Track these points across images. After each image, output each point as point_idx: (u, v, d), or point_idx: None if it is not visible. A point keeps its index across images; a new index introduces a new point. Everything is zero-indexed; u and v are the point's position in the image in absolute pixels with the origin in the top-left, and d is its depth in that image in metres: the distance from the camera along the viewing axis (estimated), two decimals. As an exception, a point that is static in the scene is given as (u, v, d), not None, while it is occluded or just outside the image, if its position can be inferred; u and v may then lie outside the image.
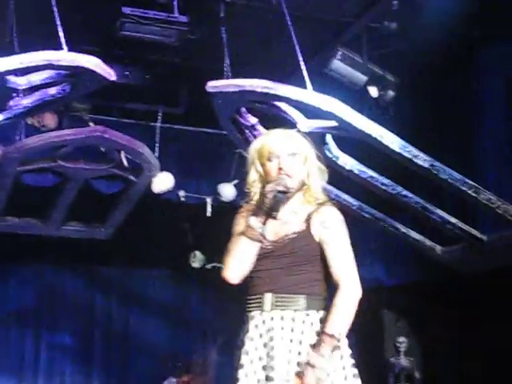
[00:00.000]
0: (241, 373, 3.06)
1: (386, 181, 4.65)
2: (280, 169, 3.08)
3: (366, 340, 6.85)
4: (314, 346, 2.97)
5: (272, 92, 3.99)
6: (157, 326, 7.83)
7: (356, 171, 4.57)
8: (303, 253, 3.12)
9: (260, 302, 3.10)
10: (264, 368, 3.03)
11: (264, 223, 3.04)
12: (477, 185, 4.39)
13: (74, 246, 7.13)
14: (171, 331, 7.83)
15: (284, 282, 3.10)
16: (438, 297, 6.34)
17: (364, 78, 5.60)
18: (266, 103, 4.21)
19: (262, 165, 3.14)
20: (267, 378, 3.00)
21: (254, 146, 3.20)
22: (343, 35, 5.65)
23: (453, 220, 4.78)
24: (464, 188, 4.34)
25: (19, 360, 7.66)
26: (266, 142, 3.16)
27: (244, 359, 3.07)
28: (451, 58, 5.59)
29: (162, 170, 5.84)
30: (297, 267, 3.11)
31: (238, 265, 3.10)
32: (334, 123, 4.17)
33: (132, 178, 5.85)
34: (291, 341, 3.05)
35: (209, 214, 6.45)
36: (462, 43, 5.52)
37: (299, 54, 4.55)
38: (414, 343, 6.66)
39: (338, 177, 5.27)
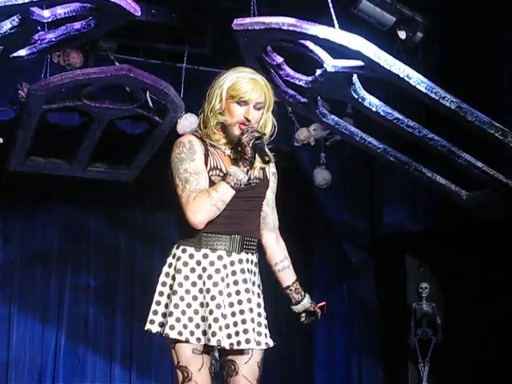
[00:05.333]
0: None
1: (411, 123, 4.59)
2: (247, 119, 3.19)
3: (388, 285, 6.90)
4: (298, 297, 3.51)
5: (299, 30, 3.93)
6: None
7: (382, 113, 4.51)
8: (262, 199, 3.35)
9: (225, 243, 3.21)
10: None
11: (246, 172, 3.16)
12: (504, 127, 4.33)
13: (98, 188, 7.16)
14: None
15: (250, 225, 3.27)
16: (461, 243, 6.33)
17: (392, 19, 5.55)
18: (293, 42, 4.15)
19: (226, 100, 3.22)
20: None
21: (225, 78, 3.24)
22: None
23: (479, 164, 4.72)
24: (491, 131, 4.28)
25: (44, 300, 7.73)
26: (240, 83, 3.21)
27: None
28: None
29: (186, 111, 5.82)
30: (257, 212, 3.32)
31: (216, 213, 3.16)
32: (360, 63, 4.11)
33: (157, 118, 5.86)
34: (250, 281, 3.28)
35: None
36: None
37: (327, -6, 4.48)
38: (436, 289, 6.68)
39: (363, 119, 5.28)
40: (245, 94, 3.19)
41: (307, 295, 3.52)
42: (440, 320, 6.60)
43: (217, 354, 3.32)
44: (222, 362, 3.29)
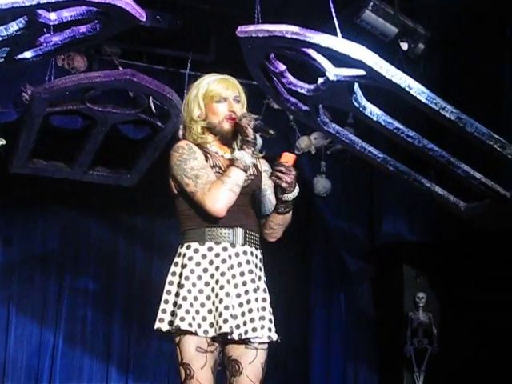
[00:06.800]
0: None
1: (412, 133, 4.61)
2: (232, 111, 3.32)
3: (385, 294, 6.92)
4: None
5: (302, 38, 3.95)
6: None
7: (382, 122, 4.53)
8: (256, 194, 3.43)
9: (228, 235, 3.28)
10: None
11: (251, 154, 3.27)
12: (503, 139, 4.36)
13: (99, 192, 7.19)
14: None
15: (250, 219, 3.35)
16: (459, 254, 6.36)
17: (395, 30, 5.60)
18: (296, 50, 4.18)
19: (206, 105, 3.35)
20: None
21: (197, 85, 3.42)
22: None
23: (477, 175, 4.75)
24: (490, 142, 4.31)
25: (42, 302, 7.76)
26: (214, 85, 3.39)
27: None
28: (485, 11, 5.54)
29: (188, 117, 5.84)
30: (255, 207, 3.40)
31: (233, 198, 3.23)
32: (362, 72, 4.15)
33: (159, 123, 5.88)
34: (255, 275, 3.31)
35: None
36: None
37: (331, 3, 4.51)
38: (432, 299, 6.71)
39: (364, 128, 5.31)
40: (222, 91, 3.36)
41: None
42: (436, 330, 6.64)
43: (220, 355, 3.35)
44: (226, 362, 3.32)
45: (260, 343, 3.29)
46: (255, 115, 3.29)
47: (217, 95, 3.34)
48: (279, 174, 3.24)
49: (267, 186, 3.49)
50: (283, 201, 3.33)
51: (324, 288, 7.57)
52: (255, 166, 3.44)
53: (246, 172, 3.25)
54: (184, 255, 3.30)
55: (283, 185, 3.25)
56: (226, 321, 3.16)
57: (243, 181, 3.25)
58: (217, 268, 3.25)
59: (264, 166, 3.53)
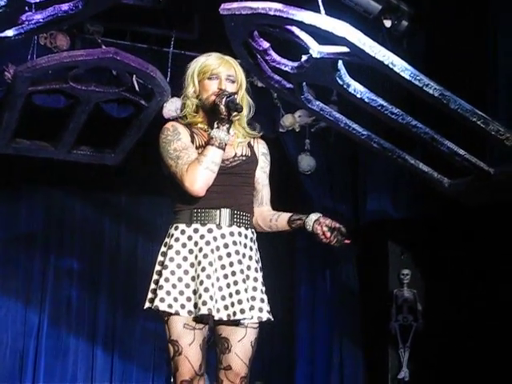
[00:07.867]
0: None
1: (395, 110, 4.61)
2: (220, 89, 3.32)
3: (370, 271, 6.95)
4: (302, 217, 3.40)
5: (285, 15, 3.94)
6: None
7: (366, 99, 4.53)
8: (251, 176, 3.43)
9: (214, 216, 3.28)
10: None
11: (227, 131, 3.27)
12: (486, 116, 4.36)
13: (83, 171, 7.17)
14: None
15: (239, 199, 3.34)
16: (443, 231, 6.38)
17: (378, 7, 5.59)
18: (279, 27, 4.17)
19: (200, 81, 3.37)
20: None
21: (196, 62, 3.43)
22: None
23: (461, 152, 4.75)
24: (473, 119, 4.32)
25: (27, 283, 7.75)
26: (209, 60, 3.41)
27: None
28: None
29: (172, 95, 5.83)
30: (247, 188, 3.39)
31: (211, 176, 3.21)
32: (346, 49, 4.14)
33: (143, 102, 5.86)
34: (243, 255, 3.31)
35: None
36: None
37: (314, -20, 4.49)
38: (417, 276, 6.74)
39: (348, 106, 5.31)
40: (214, 67, 3.37)
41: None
42: (421, 306, 6.68)
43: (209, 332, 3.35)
44: (216, 339, 3.33)
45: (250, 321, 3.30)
46: (227, 92, 3.30)
47: (208, 71, 3.36)
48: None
49: (264, 172, 3.52)
50: (304, 226, 3.37)
51: (309, 265, 7.58)
52: (251, 147, 3.46)
53: (222, 149, 3.25)
54: (172, 236, 3.32)
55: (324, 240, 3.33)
56: (204, 303, 3.17)
57: (220, 158, 3.25)
58: (200, 249, 3.26)
59: (263, 148, 3.55)
